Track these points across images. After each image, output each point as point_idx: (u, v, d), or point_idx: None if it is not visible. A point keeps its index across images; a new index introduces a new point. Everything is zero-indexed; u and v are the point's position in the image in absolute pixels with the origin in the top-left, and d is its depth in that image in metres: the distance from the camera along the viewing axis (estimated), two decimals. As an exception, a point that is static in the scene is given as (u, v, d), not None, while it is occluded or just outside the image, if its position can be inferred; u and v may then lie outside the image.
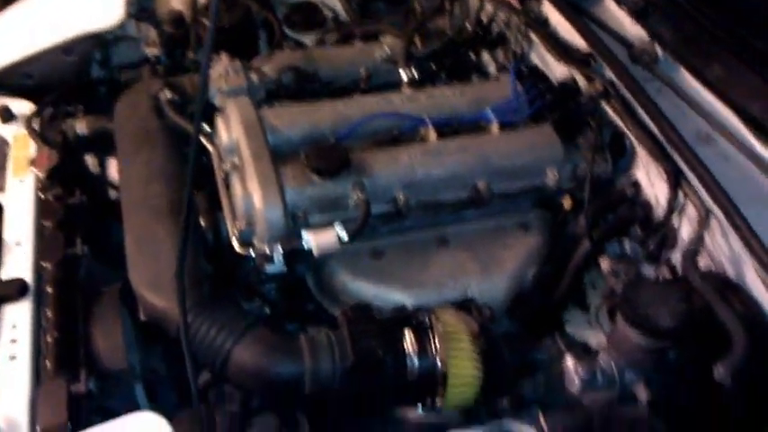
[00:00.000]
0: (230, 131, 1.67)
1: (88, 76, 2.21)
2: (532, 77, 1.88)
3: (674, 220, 1.58)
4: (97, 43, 2.18)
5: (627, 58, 1.81)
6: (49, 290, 1.46)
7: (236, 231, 1.55)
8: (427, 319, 1.36)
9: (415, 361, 1.32)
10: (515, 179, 1.70)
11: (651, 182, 1.66)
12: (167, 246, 1.49)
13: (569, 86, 1.83)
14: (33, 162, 1.76)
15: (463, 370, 1.32)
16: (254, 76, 1.86)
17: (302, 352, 1.33)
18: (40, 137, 1.81)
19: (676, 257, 1.57)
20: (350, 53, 2.06)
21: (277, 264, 1.53)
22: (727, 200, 1.43)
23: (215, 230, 1.62)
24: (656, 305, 1.31)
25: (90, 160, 1.89)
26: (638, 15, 1.87)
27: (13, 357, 1.37)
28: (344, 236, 1.51)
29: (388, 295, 1.56)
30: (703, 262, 1.51)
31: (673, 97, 1.70)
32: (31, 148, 1.81)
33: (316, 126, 1.70)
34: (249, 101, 1.73)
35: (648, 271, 1.60)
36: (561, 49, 1.90)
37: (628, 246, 1.64)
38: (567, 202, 1.71)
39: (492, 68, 2.05)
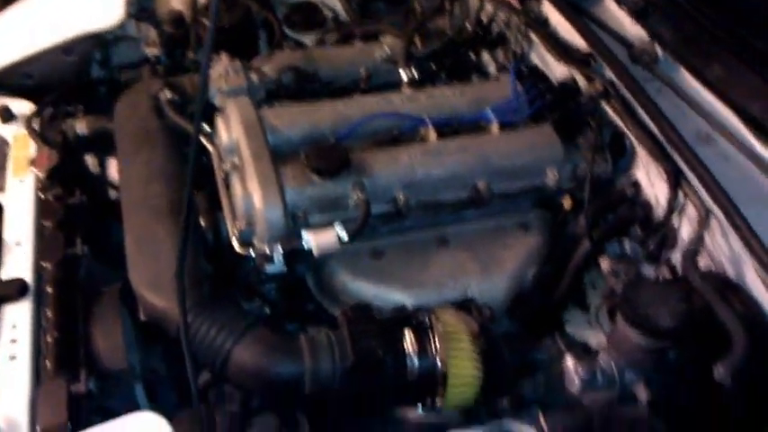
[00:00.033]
0: (230, 131, 1.67)
1: (88, 76, 2.21)
2: (532, 77, 1.88)
3: (674, 220, 1.58)
4: (97, 43, 2.18)
5: (627, 58, 1.81)
6: (49, 290, 1.46)
7: (236, 231, 1.55)
8: (427, 319, 1.36)
9: (415, 361, 1.32)
10: (515, 179, 1.70)
11: (651, 182, 1.66)
12: (167, 246, 1.49)
13: (569, 86, 1.83)
14: (33, 162, 1.76)
15: (463, 370, 1.32)
16: (254, 76, 1.86)
17: (302, 352, 1.33)
18: (40, 137, 1.81)
19: (676, 257, 1.57)
20: (350, 53, 2.06)
21: (277, 264, 1.53)
22: (727, 200, 1.43)
23: (215, 230, 1.62)
24: (656, 305, 1.31)
25: (90, 160, 1.89)
26: (638, 15, 1.87)
27: (13, 357, 1.37)
28: (344, 236, 1.51)
29: (388, 295, 1.56)
30: (703, 262, 1.51)
31: (673, 97, 1.70)
32: (31, 148, 1.81)
33: (316, 126, 1.70)
34: (249, 101, 1.73)
35: (648, 271, 1.60)
36: (561, 49, 1.90)
37: (628, 246, 1.64)
38: (567, 202, 1.71)
39: (492, 68, 2.05)
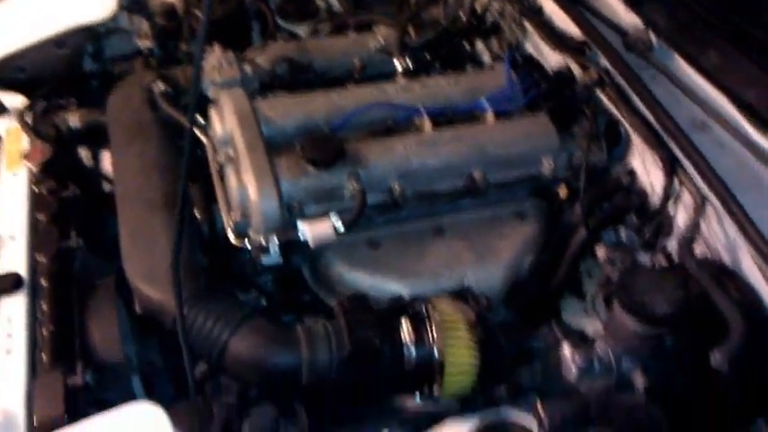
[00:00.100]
0: (224, 123, 1.67)
1: (81, 68, 2.20)
2: (527, 66, 1.88)
3: (670, 208, 1.58)
4: (89, 36, 2.16)
5: (621, 46, 1.80)
6: (44, 283, 1.45)
7: (231, 223, 1.55)
8: (424, 309, 1.36)
9: (412, 350, 1.32)
10: (511, 168, 1.70)
11: (646, 170, 1.66)
12: (162, 238, 1.48)
13: (564, 75, 1.83)
14: (26, 156, 1.75)
15: (460, 358, 1.32)
16: (247, 68, 1.85)
17: (299, 342, 1.33)
18: (33, 130, 1.80)
19: (672, 245, 1.57)
20: (344, 44, 2.05)
21: (273, 255, 1.53)
22: (722, 187, 1.43)
23: (210, 222, 1.62)
24: (652, 292, 1.30)
25: (83, 153, 1.88)
26: (633, 3, 1.87)
27: (8, 351, 1.37)
28: (340, 226, 1.51)
29: (385, 285, 1.56)
30: (699, 249, 1.51)
31: (668, 85, 1.70)
32: (24, 141, 1.80)
33: (310, 117, 1.70)
34: (243, 92, 1.73)
35: (644, 259, 1.60)
36: (556, 38, 1.90)
37: (624, 234, 1.64)
38: (562, 191, 1.71)
39: (486, 58, 2.04)
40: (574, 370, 1.36)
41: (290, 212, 1.54)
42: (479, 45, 2.07)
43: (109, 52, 2.22)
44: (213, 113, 1.71)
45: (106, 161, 1.86)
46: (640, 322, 1.30)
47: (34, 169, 1.71)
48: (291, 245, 1.54)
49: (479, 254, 1.62)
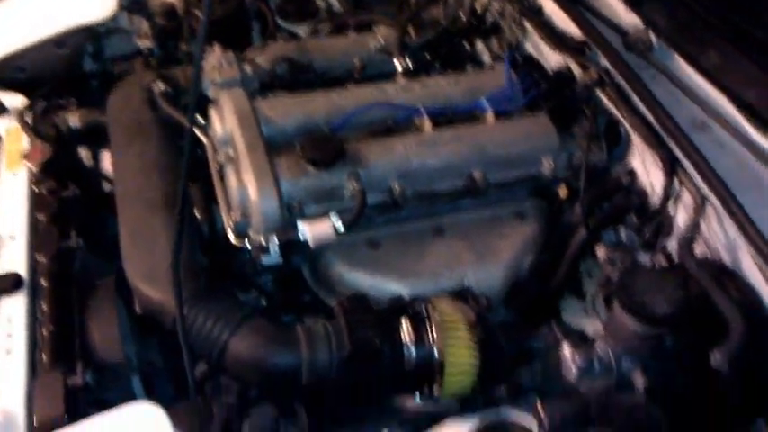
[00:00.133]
0: (224, 123, 1.67)
1: (81, 68, 2.20)
2: (527, 66, 1.88)
3: (670, 208, 1.58)
4: (89, 36, 2.16)
5: (621, 46, 1.80)
6: (44, 283, 1.45)
7: (231, 223, 1.55)
8: (424, 309, 1.36)
9: (413, 350, 1.32)
10: (511, 168, 1.70)
11: (646, 170, 1.66)
12: (162, 238, 1.48)
13: (564, 75, 1.83)
14: (26, 156, 1.75)
15: (460, 358, 1.32)
16: (247, 68, 1.85)
17: (299, 342, 1.33)
18: (33, 130, 1.80)
19: (672, 245, 1.57)
20: (344, 43, 2.05)
21: (273, 255, 1.53)
22: (722, 187, 1.43)
23: (210, 222, 1.62)
24: (652, 292, 1.30)
25: (83, 153, 1.88)
26: (633, 3, 1.87)
27: (8, 351, 1.37)
28: (340, 226, 1.51)
29: (385, 285, 1.56)
30: (699, 249, 1.51)
31: (667, 85, 1.70)
32: (24, 141, 1.80)
33: (310, 117, 1.70)
34: (243, 92, 1.73)
35: (644, 259, 1.60)
36: (556, 38, 1.89)
37: (624, 234, 1.64)
38: (562, 191, 1.71)
39: (486, 58, 2.04)
40: (574, 370, 1.36)
41: (290, 212, 1.54)
42: (479, 45, 2.07)
43: (109, 52, 2.22)
44: (213, 113, 1.71)
45: (106, 161, 1.86)
46: (640, 322, 1.30)
47: (34, 169, 1.71)
48: (291, 245, 1.54)
49: (479, 254, 1.62)
